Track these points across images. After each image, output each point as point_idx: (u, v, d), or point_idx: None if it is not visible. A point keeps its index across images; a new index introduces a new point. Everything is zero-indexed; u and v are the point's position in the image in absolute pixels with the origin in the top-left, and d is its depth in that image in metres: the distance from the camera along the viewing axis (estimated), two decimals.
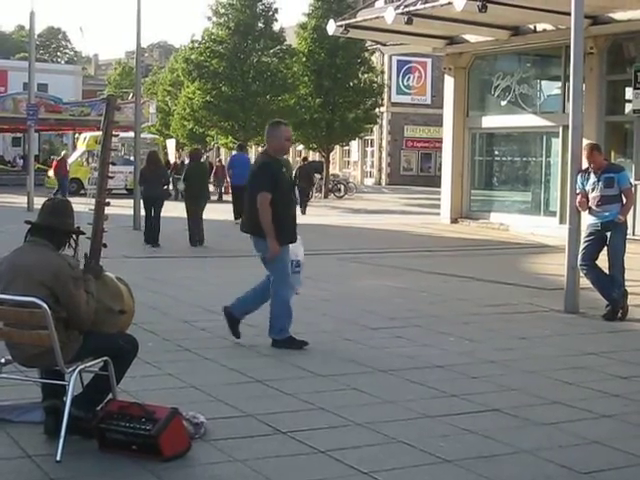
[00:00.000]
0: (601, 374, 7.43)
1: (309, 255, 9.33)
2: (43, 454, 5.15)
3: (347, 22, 22.52)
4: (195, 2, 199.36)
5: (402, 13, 19.71)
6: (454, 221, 23.80)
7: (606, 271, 10.15)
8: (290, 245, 8.23)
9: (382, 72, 49.15)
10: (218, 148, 57.88)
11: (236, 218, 23.36)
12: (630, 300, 10.17)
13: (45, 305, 4.99)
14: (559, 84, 21.85)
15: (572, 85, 10.75)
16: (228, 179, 28.65)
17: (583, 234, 10.30)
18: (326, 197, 39.96)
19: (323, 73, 40.45)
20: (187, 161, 28.80)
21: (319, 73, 40.59)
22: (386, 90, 50.14)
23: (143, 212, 18.50)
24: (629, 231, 10.99)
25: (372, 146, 58.62)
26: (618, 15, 18.84)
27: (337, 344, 8.45)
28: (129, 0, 31.80)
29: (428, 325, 9.52)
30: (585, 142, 10.66)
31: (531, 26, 21.01)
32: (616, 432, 5.83)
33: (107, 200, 5.86)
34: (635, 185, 16.70)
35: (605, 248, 10.14)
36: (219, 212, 24.18)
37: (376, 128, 53.94)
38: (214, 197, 31.05)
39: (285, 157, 9.28)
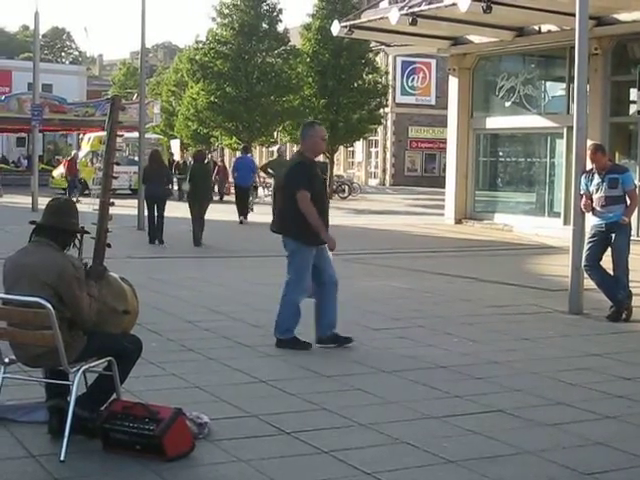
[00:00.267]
0: (605, 375, 7.43)
1: None
2: (47, 454, 5.16)
3: (351, 23, 22.52)
4: (199, 3, 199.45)
5: (406, 14, 19.73)
6: (458, 222, 23.79)
7: (610, 272, 10.15)
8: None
9: (386, 73, 49.09)
10: (222, 149, 57.88)
11: (242, 217, 23.41)
12: (634, 301, 10.15)
13: (49, 305, 5.00)
14: (563, 85, 21.85)
15: (576, 86, 10.73)
16: (231, 180, 28.69)
17: (587, 235, 10.29)
18: (330, 198, 39.76)
19: (327, 74, 40.42)
20: (190, 161, 28.80)
21: (323, 74, 40.57)
22: (390, 91, 50.11)
23: (147, 212, 18.54)
24: (633, 232, 10.98)
25: (376, 147, 58.56)
26: (623, 16, 18.84)
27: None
28: (134, 0, 31.93)
29: (432, 326, 9.51)
30: (589, 143, 10.65)
31: (535, 27, 21.01)
32: (619, 433, 5.83)
33: (111, 200, 5.87)
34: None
35: (609, 249, 10.14)
36: (222, 212, 24.20)
37: (380, 129, 53.89)
38: (215, 197, 31.04)
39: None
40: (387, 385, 6.97)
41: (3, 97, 45.98)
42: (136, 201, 21.26)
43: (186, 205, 18.61)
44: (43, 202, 5.76)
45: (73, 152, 39.91)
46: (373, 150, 58.99)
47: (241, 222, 23.27)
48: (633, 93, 19.67)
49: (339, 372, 7.31)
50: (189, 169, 21.62)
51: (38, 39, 30.55)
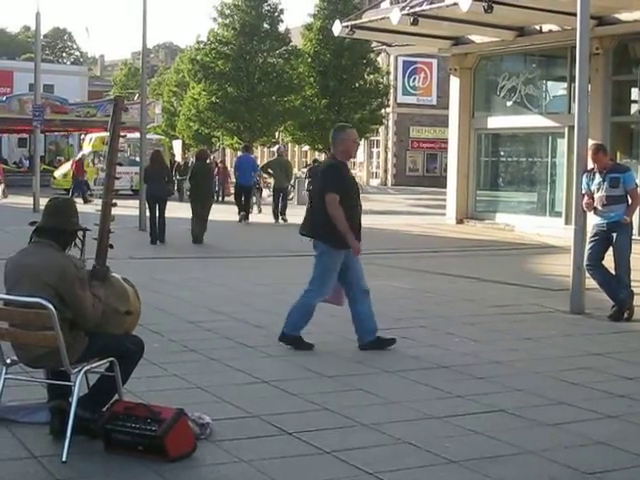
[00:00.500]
0: (606, 375, 7.43)
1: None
2: (49, 455, 5.16)
3: (353, 23, 22.51)
4: (201, 3, 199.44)
5: (408, 14, 19.72)
6: (460, 222, 23.78)
7: (612, 272, 10.15)
8: None
9: (388, 73, 49.18)
10: (224, 149, 57.93)
11: (242, 215, 23.39)
12: (636, 301, 10.15)
13: (51, 306, 5.00)
14: (565, 85, 21.83)
15: (578, 86, 10.73)
16: (232, 179, 28.69)
17: (589, 234, 10.29)
18: None
19: (329, 74, 40.47)
20: (192, 162, 28.82)
21: (325, 74, 40.62)
22: (392, 91, 50.18)
23: (148, 212, 18.55)
24: (634, 232, 10.98)
25: (378, 147, 58.59)
26: (624, 16, 18.82)
27: (343, 345, 8.45)
28: (135, 1, 31.95)
29: (434, 326, 9.51)
30: (591, 143, 10.65)
31: (537, 27, 20.99)
32: (621, 432, 5.82)
33: (114, 201, 5.87)
34: None
35: (611, 249, 10.14)
36: (222, 212, 24.19)
37: (382, 129, 53.95)
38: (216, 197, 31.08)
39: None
40: (389, 385, 6.98)
41: (4, 98, 46.02)
42: (137, 201, 21.27)
43: (187, 205, 18.62)
44: (44, 203, 5.75)
45: (80, 153, 39.92)
46: (375, 150, 59.01)
47: (240, 221, 23.24)
48: (634, 93, 19.68)
49: (341, 372, 7.32)
50: (191, 168, 21.64)
51: (39, 40, 30.57)
